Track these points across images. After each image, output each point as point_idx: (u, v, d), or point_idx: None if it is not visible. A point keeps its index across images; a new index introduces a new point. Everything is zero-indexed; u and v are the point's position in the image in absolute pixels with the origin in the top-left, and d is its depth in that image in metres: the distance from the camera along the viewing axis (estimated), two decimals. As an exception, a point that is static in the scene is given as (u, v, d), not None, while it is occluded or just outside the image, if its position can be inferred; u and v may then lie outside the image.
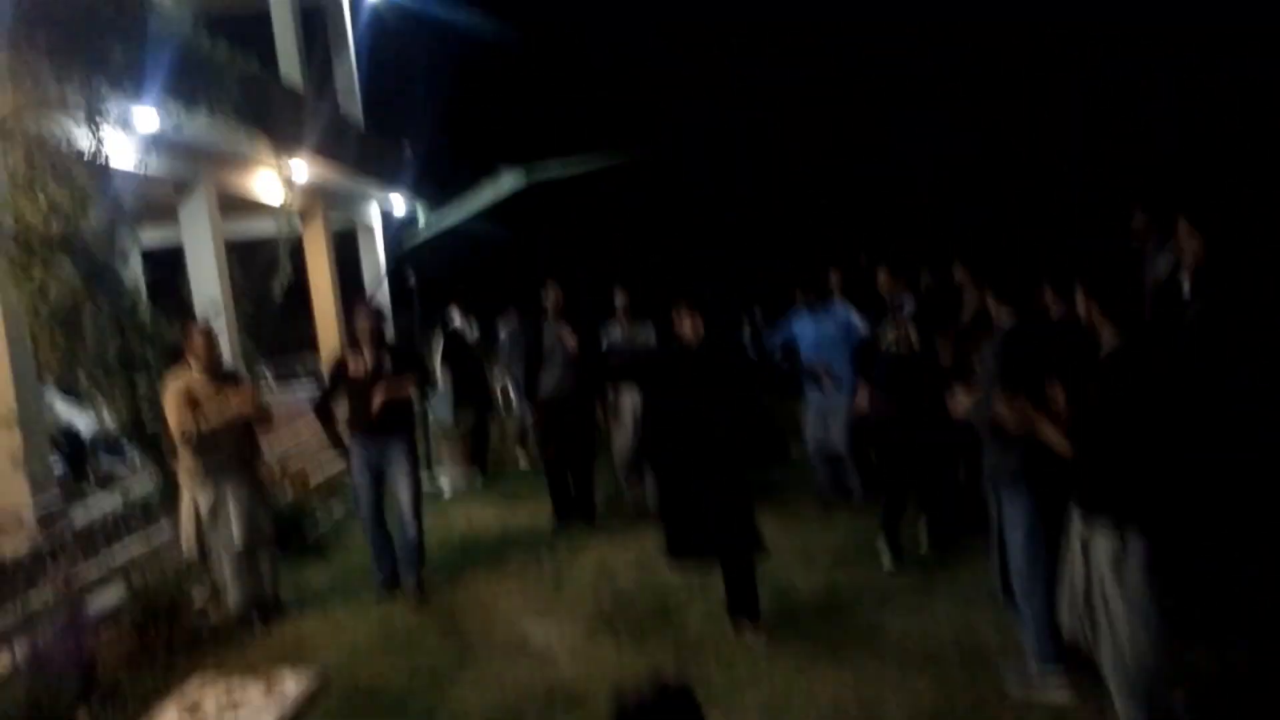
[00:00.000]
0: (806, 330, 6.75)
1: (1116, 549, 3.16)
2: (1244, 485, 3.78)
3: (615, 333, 7.20)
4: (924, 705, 3.85)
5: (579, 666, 4.54)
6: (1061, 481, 3.39)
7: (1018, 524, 3.79)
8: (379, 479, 5.72)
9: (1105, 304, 3.25)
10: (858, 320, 6.65)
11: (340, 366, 5.78)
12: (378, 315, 5.90)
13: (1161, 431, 3.15)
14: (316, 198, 11.41)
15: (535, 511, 7.19)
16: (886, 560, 5.44)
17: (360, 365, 5.67)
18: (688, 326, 4.78)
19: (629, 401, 6.97)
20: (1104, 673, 3.31)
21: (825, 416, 6.61)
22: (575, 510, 6.96)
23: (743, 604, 4.70)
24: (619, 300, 7.27)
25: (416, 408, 6.52)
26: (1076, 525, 3.32)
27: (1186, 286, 4.38)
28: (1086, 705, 3.65)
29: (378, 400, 5.52)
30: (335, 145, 11.07)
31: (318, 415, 5.81)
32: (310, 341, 12.48)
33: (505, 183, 9.89)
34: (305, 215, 11.17)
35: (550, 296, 6.96)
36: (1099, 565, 3.21)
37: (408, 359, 6.05)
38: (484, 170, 9.49)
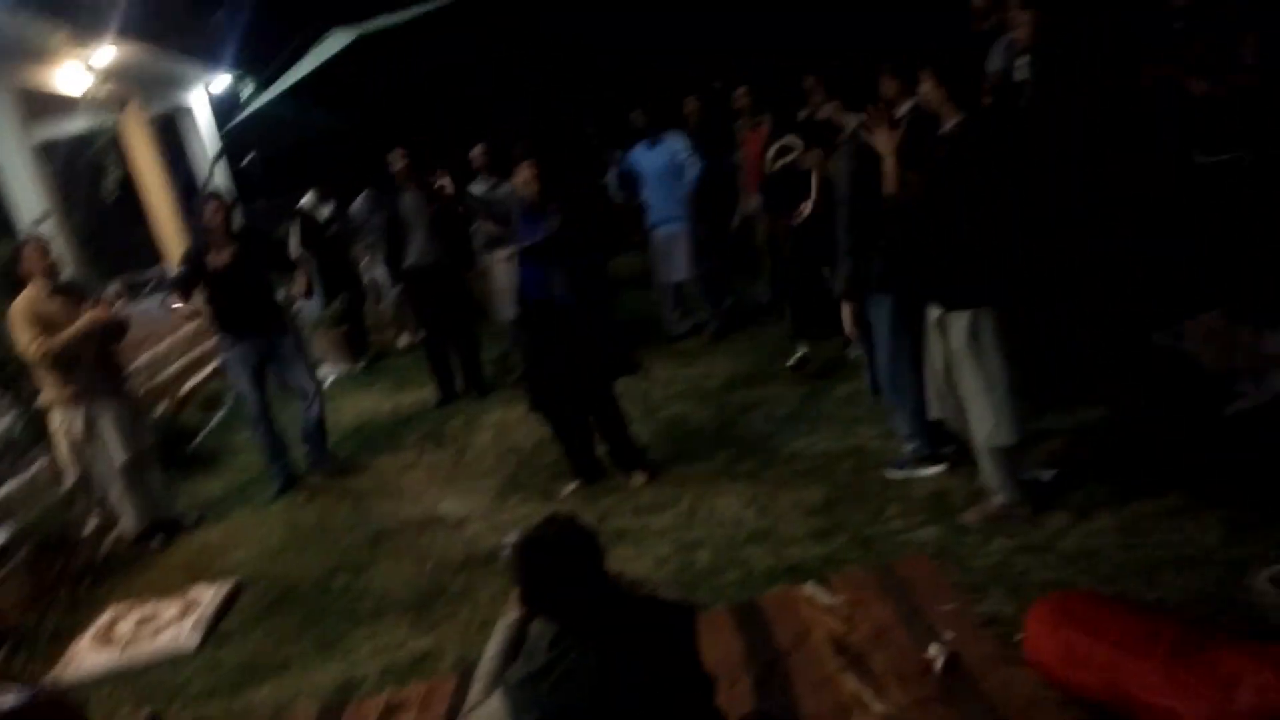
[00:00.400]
0: (643, 161, 6.82)
1: (970, 324, 3.38)
2: (1085, 261, 4.06)
3: (478, 187, 6.89)
4: (815, 502, 4.14)
5: (492, 529, 4.66)
6: (920, 282, 3.59)
7: (882, 321, 4.01)
8: (259, 376, 5.57)
9: (950, 86, 3.34)
10: (685, 152, 6.70)
11: (196, 258, 5.45)
12: (225, 203, 5.55)
13: (1000, 205, 3.30)
14: (130, 84, 10.47)
15: (424, 390, 7.12)
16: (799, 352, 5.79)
17: (219, 258, 5.37)
18: (525, 178, 4.64)
19: (502, 261, 6.86)
20: (972, 446, 3.62)
21: (669, 246, 6.75)
22: (466, 382, 6.89)
23: (622, 456, 4.80)
24: (476, 155, 6.98)
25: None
26: (932, 311, 3.52)
27: (1020, 67, 4.53)
28: (959, 478, 3.99)
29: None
30: (143, 23, 10.06)
31: (183, 297, 5.52)
32: (153, 249, 11.72)
33: (334, 43, 9.20)
34: (120, 105, 10.26)
35: (398, 163, 6.67)
36: (956, 343, 3.44)
37: (266, 248, 5.84)
38: (313, 36, 8.79)
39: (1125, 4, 5.15)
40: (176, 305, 5.59)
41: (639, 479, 4.74)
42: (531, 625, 2.15)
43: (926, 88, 3.40)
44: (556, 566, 2.01)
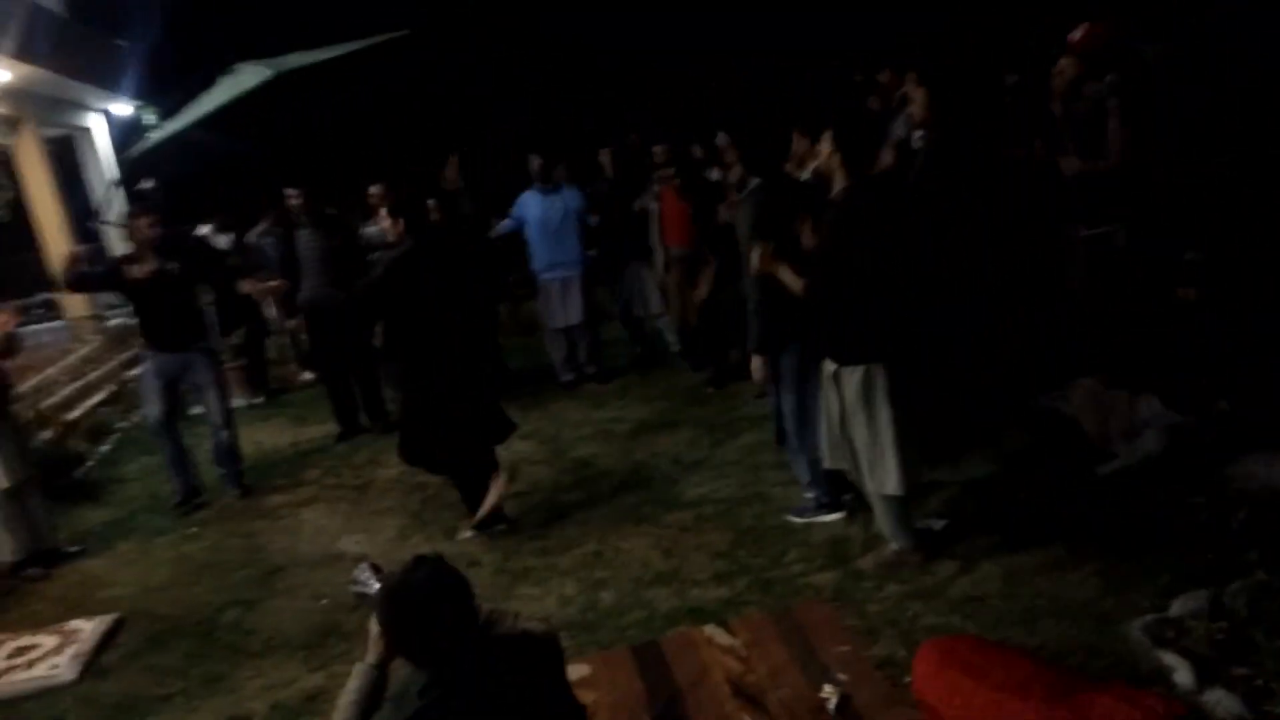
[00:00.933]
0: (532, 209, 6.96)
1: (862, 380, 3.54)
2: (968, 321, 4.32)
3: (372, 230, 6.83)
4: (719, 546, 4.23)
5: (391, 566, 4.57)
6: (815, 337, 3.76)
7: (787, 374, 4.15)
8: (171, 389, 5.63)
9: (844, 152, 3.52)
10: (578, 203, 7.00)
11: (117, 268, 5.53)
12: (159, 218, 5.53)
13: (885, 267, 3.48)
14: (26, 104, 10.10)
15: (326, 425, 6.99)
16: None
17: (141, 270, 5.38)
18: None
19: None
20: (867, 496, 3.76)
21: (562, 294, 6.94)
22: (370, 417, 6.82)
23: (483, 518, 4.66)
24: (374, 194, 6.86)
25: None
26: (828, 365, 3.67)
27: (917, 140, 4.83)
28: (857, 525, 4.13)
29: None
30: (42, 45, 9.74)
31: (72, 285, 5.67)
32: (42, 273, 11.21)
33: (246, 78, 9.09)
34: (14, 126, 9.90)
35: (298, 199, 6.66)
36: (849, 396, 3.59)
37: (197, 259, 5.99)
38: (220, 67, 8.68)
39: (1007, 90, 5.58)
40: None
41: (466, 530, 4.70)
42: (393, 668, 2.14)
43: (824, 151, 3.59)
44: (427, 613, 1.97)
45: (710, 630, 3.56)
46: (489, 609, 2.20)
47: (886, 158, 4.63)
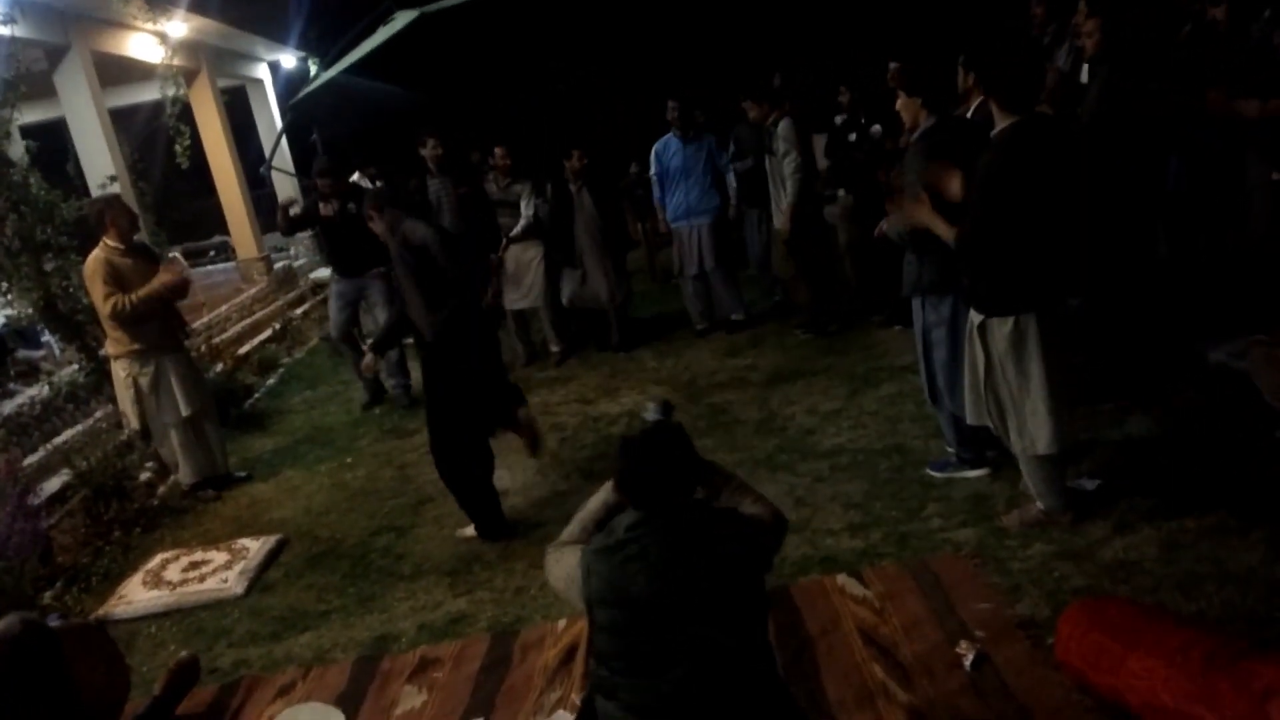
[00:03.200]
0: (673, 156, 6.92)
1: (1013, 331, 3.36)
2: (1134, 261, 4.03)
3: (491, 188, 6.97)
4: (854, 497, 4.16)
5: (530, 503, 4.74)
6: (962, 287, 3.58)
7: (939, 324, 3.98)
8: (353, 307, 6.60)
9: (994, 88, 3.32)
10: (714, 149, 6.95)
11: (311, 208, 6.49)
12: (333, 167, 6.51)
13: (1050, 209, 3.27)
14: (199, 56, 10.74)
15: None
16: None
17: (327, 210, 6.33)
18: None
19: (526, 255, 6.97)
20: (1015, 453, 3.61)
21: (698, 241, 6.93)
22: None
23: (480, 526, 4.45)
24: (497, 155, 6.93)
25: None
26: (974, 316, 3.50)
27: (1085, 74, 4.51)
28: (1002, 482, 3.98)
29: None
30: (214, -2, 10.33)
31: (286, 231, 6.67)
32: (218, 219, 11.99)
33: (398, 23, 9.30)
34: (190, 77, 10.53)
35: (435, 147, 6.76)
36: (998, 350, 3.42)
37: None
38: (380, 16, 8.93)
39: (1185, 21, 5.11)
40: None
41: (469, 531, 4.48)
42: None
43: (974, 94, 3.39)
44: (645, 464, 2.17)
45: (843, 580, 3.52)
46: (728, 488, 2.44)
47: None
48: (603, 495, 2.44)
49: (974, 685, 2.83)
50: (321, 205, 6.42)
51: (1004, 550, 3.52)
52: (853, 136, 6.70)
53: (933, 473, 4.20)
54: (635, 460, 2.20)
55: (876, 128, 6.48)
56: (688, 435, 2.33)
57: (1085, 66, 4.58)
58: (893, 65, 6.06)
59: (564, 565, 2.28)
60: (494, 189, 6.95)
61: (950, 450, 4.19)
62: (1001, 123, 3.34)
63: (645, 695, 2.11)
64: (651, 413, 2.61)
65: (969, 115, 4.12)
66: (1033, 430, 3.42)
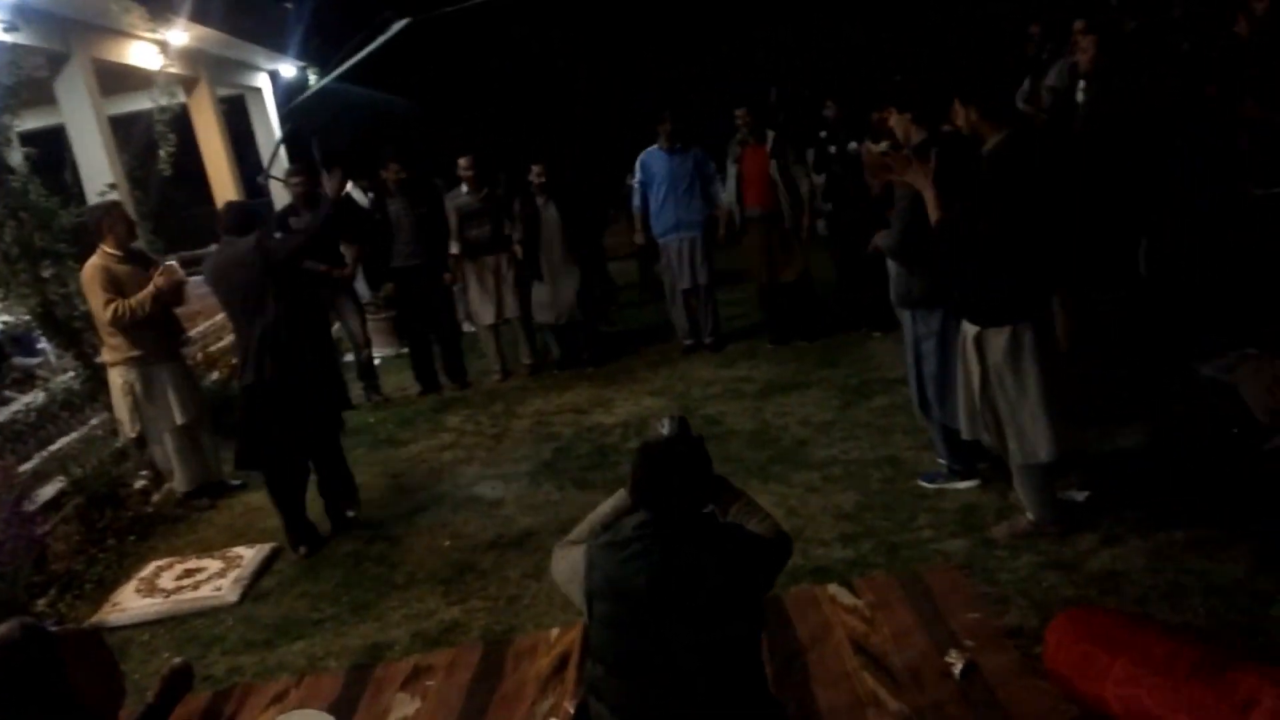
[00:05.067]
0: (659, 169, 6.87)
1: (1009, 340, 3.39)
2: (1125, 273, 4.07)
3: (462, 200, 6.95)
4: (846, 508, 4.19)
5: (524, 511, 4.76)
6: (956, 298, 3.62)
7: (928, 335, 4.02)
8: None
9: (978, 102, 3.36)
10: (703, 163, 6.90)
11: (284, 218, 6.56)
12: (309, 176, 6.63)
13: (1044, 219, 3.31)
14: (199, 65, 10.78)
15: (469, 372, 7.31)
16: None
17: (299, 222, 6.36)
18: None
19: (495, 269, 7.00)
20: (1011, 465, 3.64)
21: (688, 256, 6.89)
22: (447, 376, 7.18)
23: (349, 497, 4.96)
24: (462, 166, 6.95)
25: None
26: (968, 328, 3.54)
27: (1081, 91, 4.57)
28: (992, 494, 4.02)
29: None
30: (215, 8, 10.36)
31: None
32: (212, 230, 11.98)
33: (392, 30, 9.33)
34: (189, 85, 10.56)
35: (397, 172, 6.88)
36: (994, 358, 3.45)
37: (344, 214, 6.46)
38: (379, 27, 8.99)
39: (1184, 32, 5.17)
40: None
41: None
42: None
43: (961, 113, 3.43)
44: (658, 472, 2.21)
45: (833, 589, 3.55)
46: (737, 504, 2.46)
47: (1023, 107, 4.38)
48: (614, 500, 2.48)
49: (963, 694, 2.86)
50: (291, 220, 6.48)
51: (993, 561, 3.55)
52: (833, 149, 6.74)
53: (924, 484, 4.24)
54: (654, 466, 2.23)
55: (853, 145, 6.50)
56: (706, 449, 2.37)
57: (1080, 84, 4.63)
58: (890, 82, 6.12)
59: (568, 560, 2.31)
60: (470, 201, 6.90)
61: (941, 462, 4.22)
62: (992, 136, 3.38)
63: (631, 696, 2.14)
64: (667, 429, 2.59)
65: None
66: (1033, 438, 3.45)
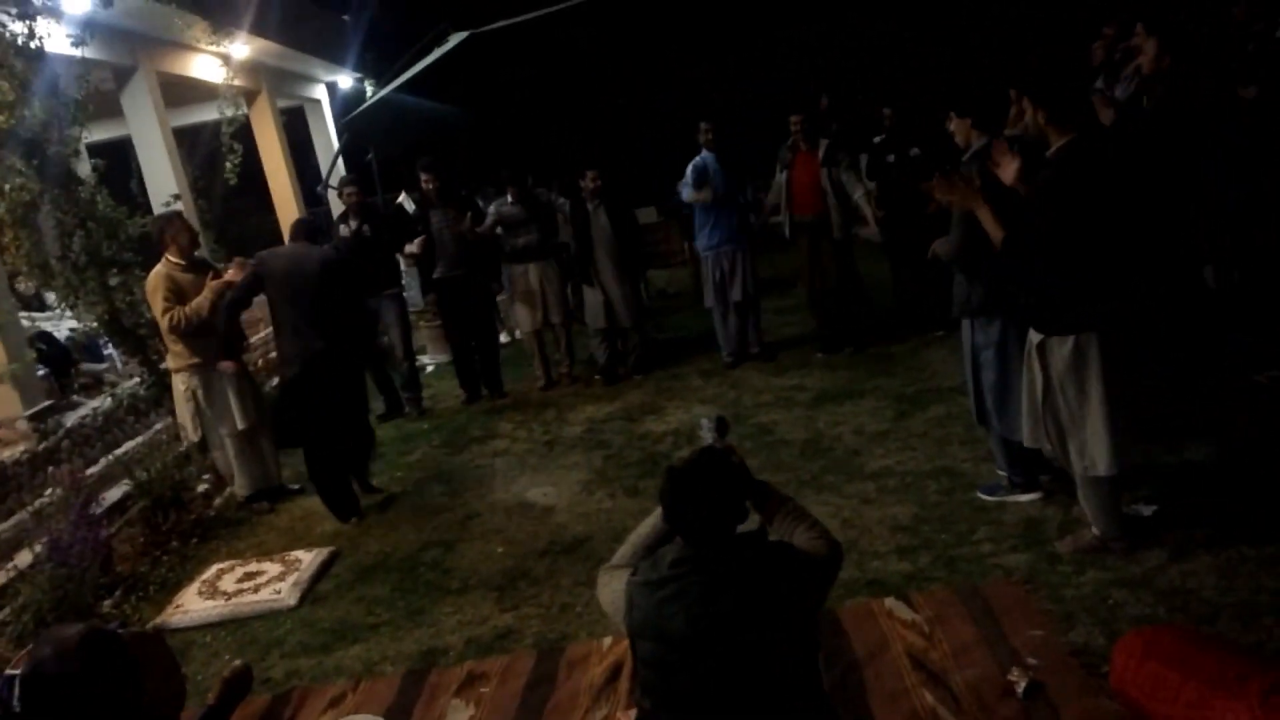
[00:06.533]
0: (717, 176, 6.71)
1: (1073, 350, 3.31)
2: (1197, 291, 3.95)
3: (506, 208, 6.97)
4: (902, 520, 4.12)
5: (576, 519, 4.77)
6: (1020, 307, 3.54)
7: (988, 345, 3.94)
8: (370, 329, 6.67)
9: (1046, 105, 3.29)
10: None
11: (336, 225, 6.81)
12: (358, 189, 6.91)
13: (1112, 225, 3.23)
14: (260, 77, 11.03)
15: (519, 383, 7.39)
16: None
17: (348, 229, 6.68)
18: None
19: (540, 275, 7.01)
20: (1073, 476, 3.55)
21: (730, 270, 6.76)
22: (484, 386, 7.24)
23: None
24: (505, 177, 7.03)
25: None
26: (1033, 336, 3.45)
27: (1146, 99, 4.45)
28: (1055, 507, 3.92)
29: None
30: (275, 22, 10.61)
31: None
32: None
33: (450, 43, 9.46)
34: (250, 97, 10.81)
35: (429, 182, 6.90)
36: (1057, 369, 3.37)
37: (389, 224, 6.99)
38: (436, 39, 9.12)
39: (1246, 35, 5.02)
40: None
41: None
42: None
43: (1029, 113, 3.36)
44: (693, 496, 2.14)
45: (890, 603, 3.49)
46: (781, 513, 2.40)
47: (1105, 113, 4.28)
48: (654, 519, 2.42)
49: (1026, 714, 2.79)
50: (341, 226, 6.64)
51: (1057, 576, 3.46)
52: (891, 158, 6.65)
53: (984, 496, 4.15)
54: (680, 495, 2.16)
55: (915, 150, 6.43)
56: (738, 461, 2.32)
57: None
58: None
59: (612, 591, 2.27)
60: (514, 210, 6.93)
61: (1001, 473, 4.14)
62: (1057, 141, 3.31)
63: None
64: (706, 430, 2.59)
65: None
66: (1093, 451, 3.36)
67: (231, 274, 5.32)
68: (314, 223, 6.03)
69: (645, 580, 2.16)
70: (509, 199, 6.98)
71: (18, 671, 2.17)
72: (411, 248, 6.75)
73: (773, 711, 2.08)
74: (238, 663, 3.68)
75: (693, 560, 2.12)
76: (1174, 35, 4.24)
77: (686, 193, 6.81)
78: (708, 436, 2.57)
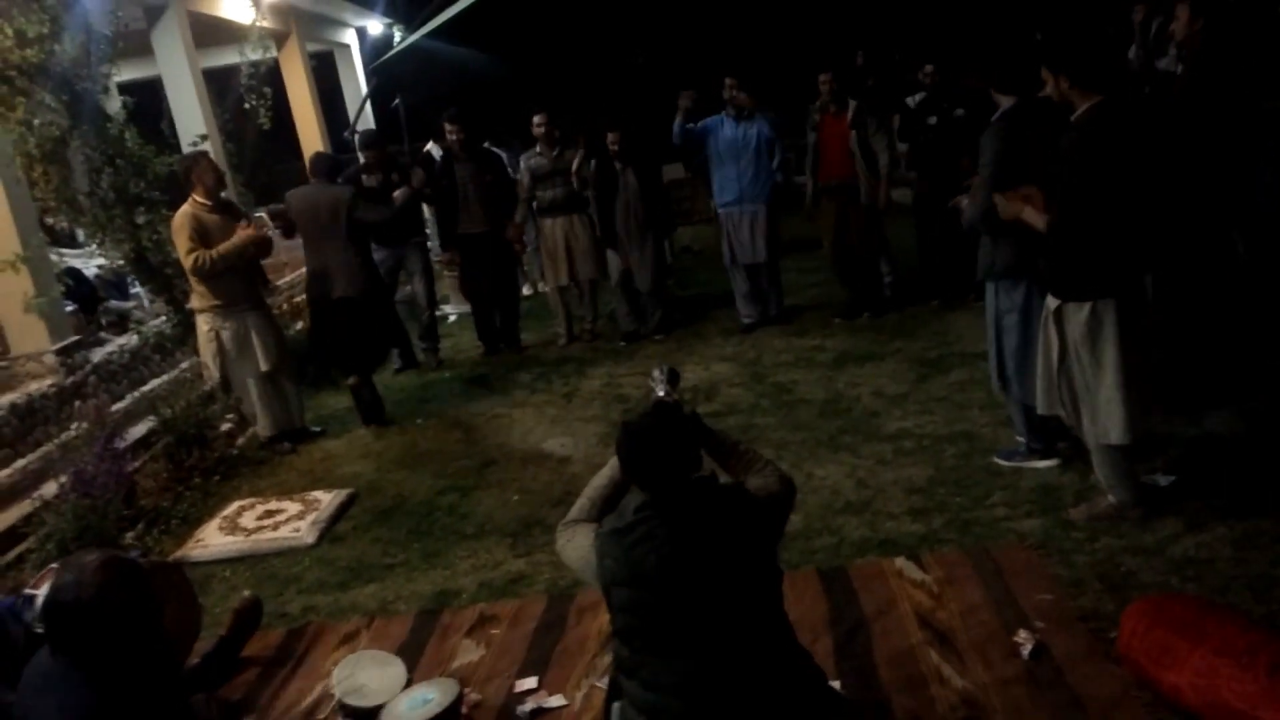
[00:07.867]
0: (725, 132, 6.62)
1: (1089, 316, 3.27)
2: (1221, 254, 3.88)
3: (535, 160, 6.89)
4: (917, 482, 4.12)
5: (591, 469, 4.75)
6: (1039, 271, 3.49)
7: (1011, 309, 3.90)
8: (390, 276, 6.78)
9: (1068, 69, 3.22)
10: (769, 132, 6.61)
11: (358, 175, 6.70)
12: (376, 139, 6.93)
13: (1132, 190, 3.17)
14: (290, 20, 10.97)
15: (537, 334, 7.41)
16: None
17: (373, 179, 6.62)
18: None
19: (569, 230, 6.94)
20: (1086, 444, 3.53)
21: (749, 229, 6.66)
22: (502, 341, 7.23)
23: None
24: (537, 125, 6.86)
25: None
26: (1050, 301, 3.42)
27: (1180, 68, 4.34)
28: (1071, 474, 3.90)
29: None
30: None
31: None
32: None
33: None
34: (280, 40, 10.77)
35: (455, 133, 6.80)
36: (1073, 336, 3.33)
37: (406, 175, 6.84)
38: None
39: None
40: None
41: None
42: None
43: (1050, 80, 3.29)
44: (647, 449, 2.23)
45: (901, 563, 3.50)
46: (734, 456, 2.48)
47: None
48: (609, 471, 2.47)
49: (1030, 674, 2.80)
50: (364, 177, 6.62)
51: (1070, 543, 3.45)
52: (933, 119, 6.50)
53: (1000, 461, 4.14)
54: (636, 446, 2.24)
55: (959, 111, 6.29)
56: (690, 412, 2.40)
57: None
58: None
59: (577, 547, 2.31)
60: (543, 161, 6.85)
61: (1020, 439, 4.11)
62: (1082, 104, 3.24)
63: (665, 673, 2.14)
64: (658, 382, 2.63)
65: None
66: (1105, 419, 3.33)
67: (246, 233, 5.31)
68: (333, 158, 6.21)
69: (612, 530, 2.22)
70: (537, 150, 6.92)
71: (37, 591, 2.23)
72: (397, 194, 6.50)
73: (744, 636, 2.16)
74: (248, 593, 3.78)
75: (655, 505, 2.18)
76: (1208, 3, 4.11)
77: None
78: (660, 389, 2.61)
